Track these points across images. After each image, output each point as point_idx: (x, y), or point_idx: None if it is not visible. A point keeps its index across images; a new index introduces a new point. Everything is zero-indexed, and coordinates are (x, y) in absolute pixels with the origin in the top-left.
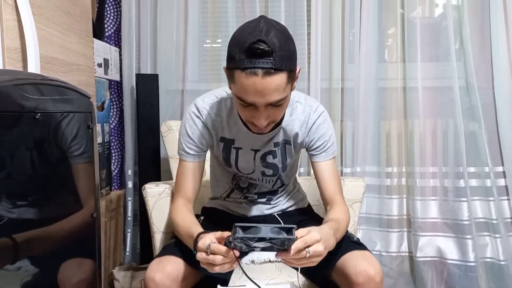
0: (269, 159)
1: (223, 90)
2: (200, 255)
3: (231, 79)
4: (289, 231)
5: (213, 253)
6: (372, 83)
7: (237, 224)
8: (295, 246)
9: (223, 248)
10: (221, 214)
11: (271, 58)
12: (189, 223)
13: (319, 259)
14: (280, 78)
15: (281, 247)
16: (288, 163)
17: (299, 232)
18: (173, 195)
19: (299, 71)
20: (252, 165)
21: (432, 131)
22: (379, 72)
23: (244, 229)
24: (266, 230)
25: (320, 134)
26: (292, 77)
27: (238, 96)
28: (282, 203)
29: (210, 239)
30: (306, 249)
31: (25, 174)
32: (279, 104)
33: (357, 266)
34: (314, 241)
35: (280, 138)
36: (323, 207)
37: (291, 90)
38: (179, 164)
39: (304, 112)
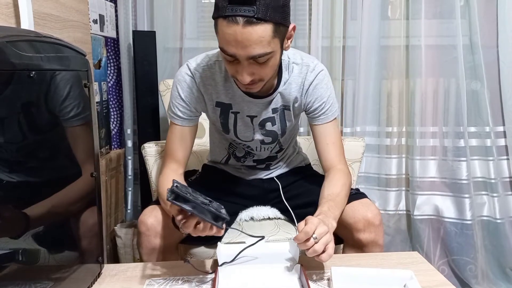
0: (268, 126)
1: (217, 50)
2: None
3: (216, 29)
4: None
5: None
6: (374, 41)
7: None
8: (299, 239)
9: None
10: (220, 173)
11: (254, 6)
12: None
13: (330, 237)
14: (263, 30)
15: (213, 219)
16: (287, 128)
17: (299, 226)
18: (163, 158)
19: (294, 28)
20: (251, 133)
21: (433, 91)
22: (382, 30)
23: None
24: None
25: (317, 95)
26: (280, 31)
27: (221, 47)
28: (281, 167)
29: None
30: (313, 236)
31: (21, 133)
32: (264, 61)
33: (355, 214)
34: (314, 227)
35: (278, 103)
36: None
37: (283, 48)
38: (170, 126)
39: (301, 73)
